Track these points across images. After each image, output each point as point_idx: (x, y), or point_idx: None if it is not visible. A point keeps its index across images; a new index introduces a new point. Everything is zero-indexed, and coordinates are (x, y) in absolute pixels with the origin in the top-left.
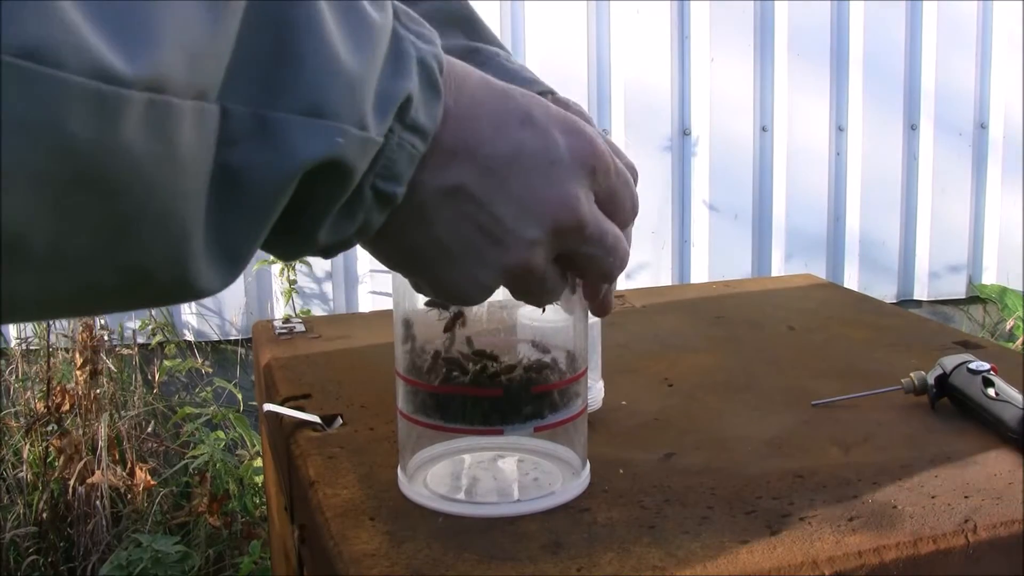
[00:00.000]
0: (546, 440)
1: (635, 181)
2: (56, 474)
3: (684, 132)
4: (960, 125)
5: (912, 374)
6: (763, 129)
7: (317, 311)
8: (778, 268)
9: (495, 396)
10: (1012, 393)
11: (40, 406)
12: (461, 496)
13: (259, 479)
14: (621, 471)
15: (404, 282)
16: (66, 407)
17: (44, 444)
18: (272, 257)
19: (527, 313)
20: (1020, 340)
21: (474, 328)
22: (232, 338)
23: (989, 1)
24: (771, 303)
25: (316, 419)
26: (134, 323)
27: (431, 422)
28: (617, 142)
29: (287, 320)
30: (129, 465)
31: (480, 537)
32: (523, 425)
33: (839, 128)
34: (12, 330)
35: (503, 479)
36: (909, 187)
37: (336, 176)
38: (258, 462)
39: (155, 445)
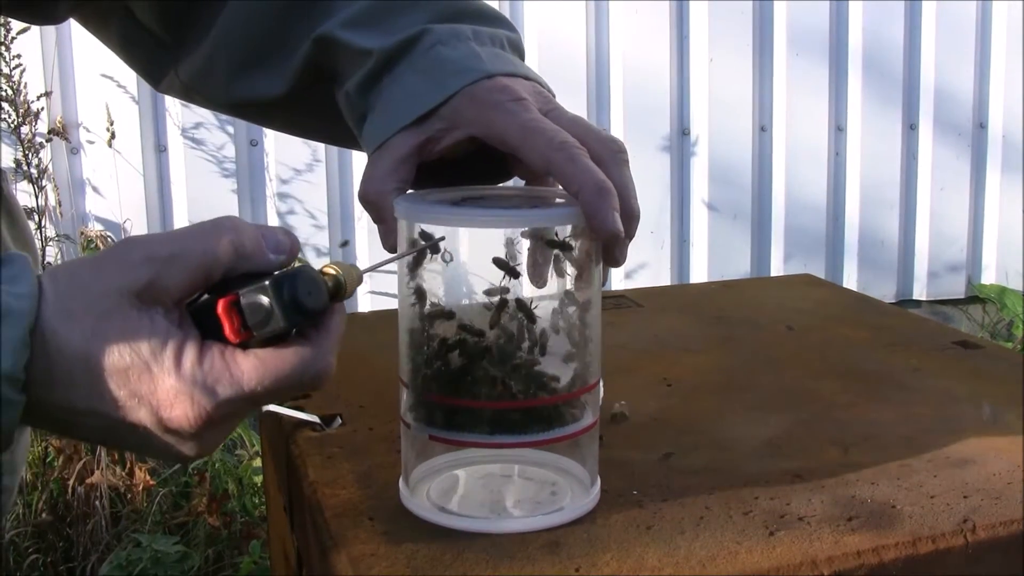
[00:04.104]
0: (556, 454)
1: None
2: (55, 474)
3: (683, 132)
4: (960, 125)
5: None
6: (762, 129)
7: None
8: (778, 268)
9: (496, 408)
10: None
11: None
12: (464, 510)
13: (258, 479)
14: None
15: (406, 285)
16: None
17: (43, 444)
18: None
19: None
20: (1020, 339)
21: (470, 330)
22: None
23: (989, 1)
24: (771, 303)
25: (315, 419)
26: None
27: (438, 434)
28: None
29: None
30: (128, 465)
31: (480, 537)
32: (524, 436)
33: (839, 128)
34: None
35: (510, 493)
36: (909, 187)
37: None
38: (257, 462)
39: None
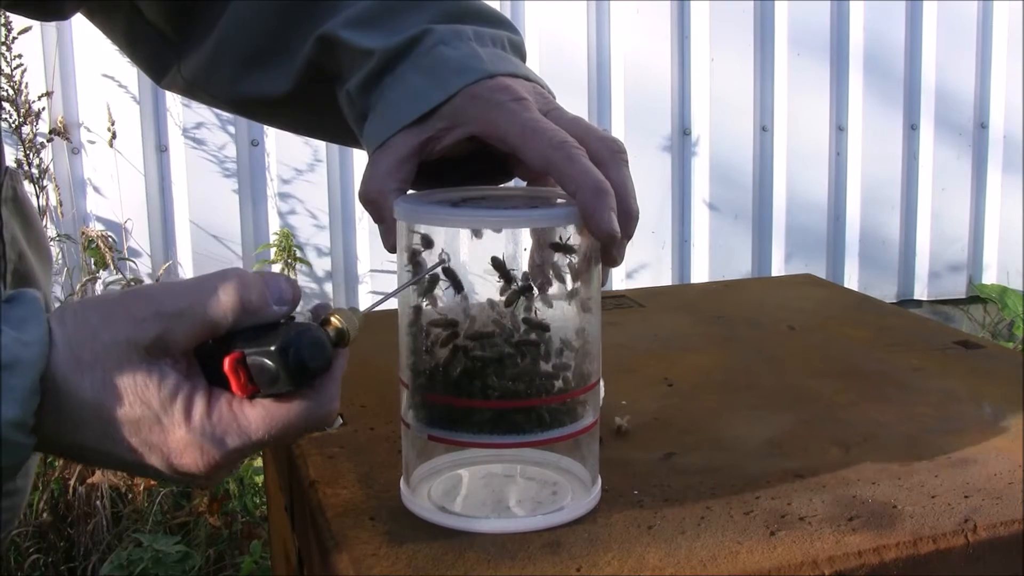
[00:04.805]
0: (557, 454)
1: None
2: (56, 474)
3: (684, 132)
4: (960, 125)
5: None
6: (763, 129)
7: None
8: (778, 268)
9: (494, 408)
10: None
11: None
12: (466, 510)
13: (259, 479)
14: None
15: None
16: None
17: None
18: (272, 256)
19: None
20: (1021, 339)
21: (471, 330)
22: None
23: (989, 1)
24: (771, 303)
25: None
26: None
27: (437, 435)
28: None
29: None
30: None
31: (481, 537)
32: (526, 436)
33: (839, 128)
34: None
35: (512, 494)
36: (909, 187)
37: None
38: (258, 462)
39: None
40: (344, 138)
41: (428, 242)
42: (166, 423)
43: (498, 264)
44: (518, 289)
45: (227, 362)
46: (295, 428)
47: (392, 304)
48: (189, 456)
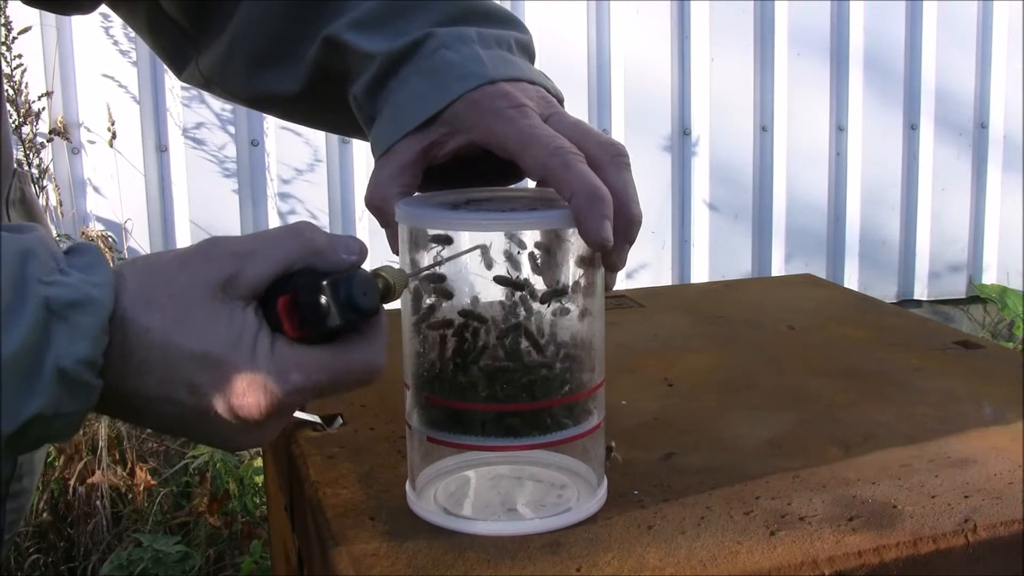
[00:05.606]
0: (562, 455)
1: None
2: (56, 474)
3: (684, 132)
4: (960, 125)
5: None
6: (763, 129)
7: None
8: (778, 268)
9: (509, 411)
10: None
11: None
12: (472, 513)
13: (259, 479)
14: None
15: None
16: None
17: None
18: None
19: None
20: (1021, 339)
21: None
22: None
23: (989, 1)
24: (771, 303)
25: (316, 419)
26: None
27: (439, 437)
28: None
29: None
30: (129, 465)
31: (480, 537)
32: (533, 438)
33: (839, 128)
34: None
35: (517, 495)
36: (909, 187)
37: None
38: (258, 462)
39: (155, 445)
40: (361, 133)
41: (446, 240)
42: (233, 360)
43: (503, 280)
44: (553, 291)
45: (281, 302)
46: (352, 374)
47: (395, 304)
48: (252, 396)
